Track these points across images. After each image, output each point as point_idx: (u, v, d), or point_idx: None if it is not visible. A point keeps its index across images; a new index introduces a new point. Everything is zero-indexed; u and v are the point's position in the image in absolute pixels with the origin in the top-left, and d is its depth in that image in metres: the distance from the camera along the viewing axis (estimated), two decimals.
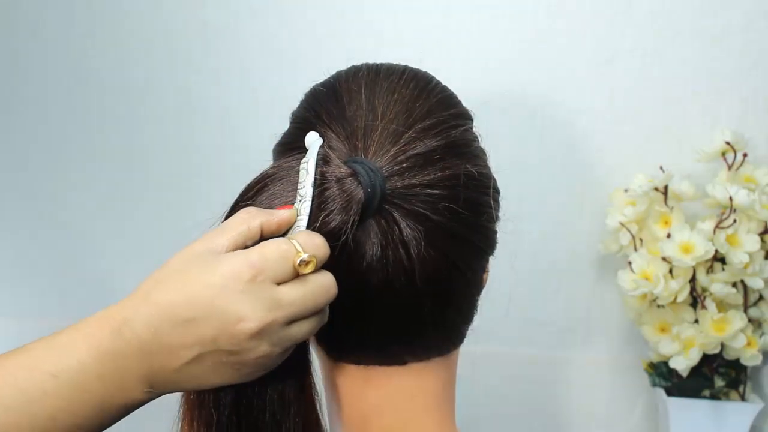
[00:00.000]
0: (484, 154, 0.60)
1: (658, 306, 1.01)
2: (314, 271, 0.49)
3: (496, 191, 0.59)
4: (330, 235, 0.52)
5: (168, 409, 0.54)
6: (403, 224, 0.53)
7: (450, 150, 0.55)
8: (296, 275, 0.49)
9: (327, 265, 0.52)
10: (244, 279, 0.47)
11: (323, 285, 0.50)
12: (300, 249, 0.49)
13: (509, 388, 1.14)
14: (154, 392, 0.50)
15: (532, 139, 1.09)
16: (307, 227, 0.51)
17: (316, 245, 0.49)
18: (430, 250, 0.53)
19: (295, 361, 0.53)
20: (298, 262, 0.48)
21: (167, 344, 0.48)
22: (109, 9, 1.13)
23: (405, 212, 0.53)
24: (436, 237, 0.54)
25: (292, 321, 0.49)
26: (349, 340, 0.57)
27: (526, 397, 1.15)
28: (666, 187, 1.01)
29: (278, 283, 0.48)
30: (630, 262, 1.01)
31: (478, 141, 0.59)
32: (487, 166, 0.59)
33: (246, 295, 0.47)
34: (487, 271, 0.60)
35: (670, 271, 0.99)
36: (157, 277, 0.49)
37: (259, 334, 0.47)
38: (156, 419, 0.53)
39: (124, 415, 0.50)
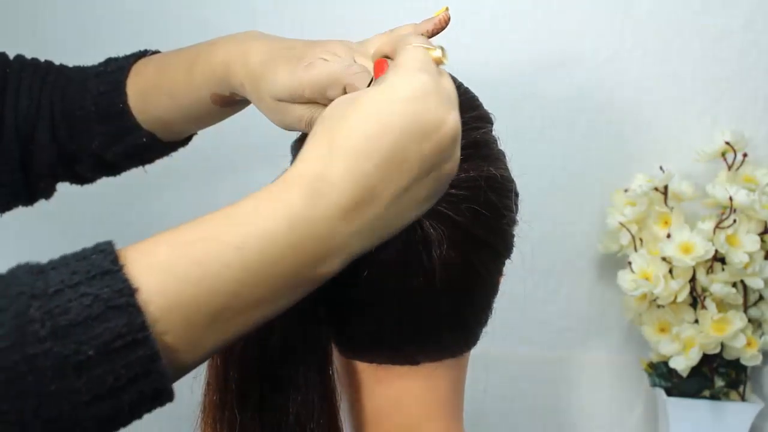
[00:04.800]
0: (504, 157, 0.60)
1: (658, 306, 1.01)
2: None
3: (516, 195, 0.59)
4: None
5: (173, 410, 0.54)
6: (425, 224, 0.53)
7: (473, 151, 0.56)
8: None
9: (346, 264, 0.52)
10: (426, 83, 0.44)
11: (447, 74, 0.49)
12: (429, 46, 0.48)
13: (509, 388, 1.14)
14: (349, 259, 0.45)
15: (532, 139, 1.09)
16: None
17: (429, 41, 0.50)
18: (450, 252, 0.53)
19: (317, 365, 0.53)
20: (438, 55, 0.48)
21: (371, 189, 0.43)
22: (109, 8, 1.13)
23: (428, 212, 0.53)
24: (457, 238, 0.54)
25: None
26: (363, 339, 0.57)
27: (525, 397, 1.15)
28: (666, 187, 1.01)
29: None
30: (630, 262, 1.01)
31: (497, 144, 0.60)
32: (507, 170, 0.59)
33: (435, 99, 0.44)
34: (503, 275, 0.60)
35: (670, 271, 0.99)
36: (328, 117, 0.45)
37: (457, 134, 0.45)
38: (160, 421, 0.53)
39: (313, 289, 0.45)
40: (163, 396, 0.41)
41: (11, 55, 0.79)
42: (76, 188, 0.82)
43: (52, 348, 0.37)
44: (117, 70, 0.75)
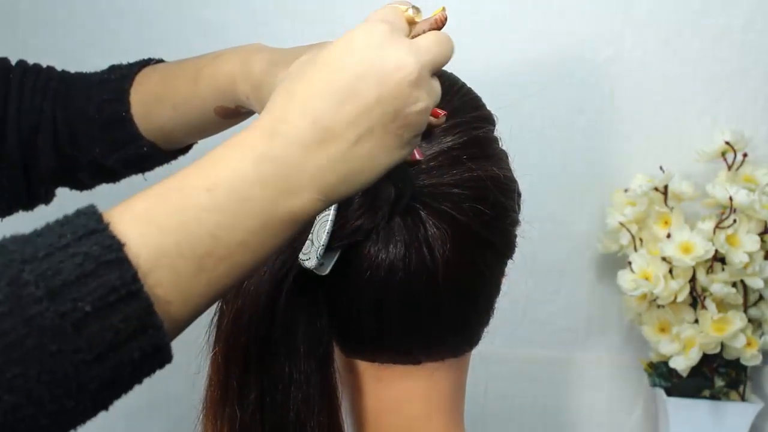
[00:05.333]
0: (507, 157, 0.60)
1: (658, 306, 1.01)
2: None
3: (519, 195, 0.60)
4: (357, 233, 0.52)
5: (173, 410, 0.53)
6: (429, 223, 0.53)
7: (475, 151, 0.56)
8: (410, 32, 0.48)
9: (349, 263, 0.52)
10: (384, 31, 0.45)
11: (441, 34, 0.48)
12: (403, 5, 0.49)
13: (509, 388, 1.14)
14: (322, 199, 0.45)
15: (532, 139, 1.09)
16: (335, 223, 0.51)
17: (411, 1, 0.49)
18: (453, 251, 0.53)
19: (318, 363, 0.53)
20: (410, 11, 0.48)
21: (330, 128, 0.44)
22: (109, 8, 1.13)
23: (431, 211, 0.53)
24: (460, 238, 0.54)
25: (432, 72, 0.47)
26: (366, 338, 0.57)
27: (525, 397, 1.15)
28: (666, 187, 1.01)
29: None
30: (630, 262, 1.01)
31: (500, 144, 0.60)
32: (510, 170, 0.59)
33: (392, 45, 0.45)
34: (505, 275, 0.60)
35: (670, 271, 0.99)
36: (290, 75, 0.46)
37: (418, 79, 0.45)
38: (161, 421, 0.53)
39: (292, 233, 0.46)
40: (162, 353, 0.41)
41: (13, 58, 0.79)
42: (75, 192, 0.82)
43: (49, 307, 0.37)
44: (121, 78, 0.75)
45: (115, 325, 0.39)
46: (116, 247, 0.39)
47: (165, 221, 0.41)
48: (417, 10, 0.48)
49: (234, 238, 0.43)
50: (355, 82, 0.44)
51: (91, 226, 0.40)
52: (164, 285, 0.41)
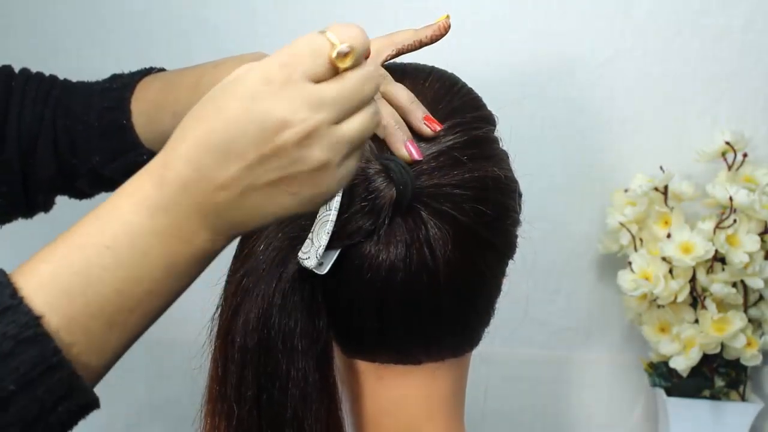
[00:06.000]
0: (508, 157, 0.60)
1: (658, 306, 1.01)
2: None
3: (520, 195, 0.60)
4: (358, 233, 0.52)
5: (173, 411, 0.53)
6: (430, 224, 0.53)
7: (476, 151, 0.56)
8: (335, 73, 0.43)
9: (350, 263, 0.52)
10: (277, 81, 0.42)
11: (365, 75, 0.44)
12: (335, 41, 0.42)
13: (509, 388, 1.14)
14: (219, 239, 0.45)
15: (532, 139, 1.09)
16: (336, 224, 0.51)
17: (354, 36, 0.43)
18: (455, 252, 0.53)
19: (316, 361, 0.53)
20: (335, 54, 0.42)
21: (212, 179, 0.43)
22: (110, 8, 1.13)
23: (432, 211, 0.53)
24: (461, 238, 0.54)
25: (340, 120, 0.43)
26: (366, 338, 0.57)
27: (525, 397, 1.15)
28: (666, 187, 1.01)
29: (317, 82, 0.43)
30: (630, 262, 1.01)
31: (500, 144, 0.60)
32: (511, 170, 0.59)
33: (282, 98, 0.42)
34: (506, 275, 0.60)
35: (670, 271, 0.99)
36: (193, 113, 0.44)
37: (307, 138, 0.42)
38: (159, 419, 0.53)
39: (200, 271, 0.46)
40: (91, 406, 0.43)
41: (12, 59, 0.79)
42: (75, 200, 0.82)
43: None
44: (122, 86, 0.75)
45: (41, 396, 0.40)
46: (33, 323, 0.40)
47: (70, 284, 0.42)
48: (345, 55, 0.42)
49: (140, 290, 0.44)
50: (238, 137, 0.42)
51: (5, 302, 0.41)
52: (81, 348, 0.42)
